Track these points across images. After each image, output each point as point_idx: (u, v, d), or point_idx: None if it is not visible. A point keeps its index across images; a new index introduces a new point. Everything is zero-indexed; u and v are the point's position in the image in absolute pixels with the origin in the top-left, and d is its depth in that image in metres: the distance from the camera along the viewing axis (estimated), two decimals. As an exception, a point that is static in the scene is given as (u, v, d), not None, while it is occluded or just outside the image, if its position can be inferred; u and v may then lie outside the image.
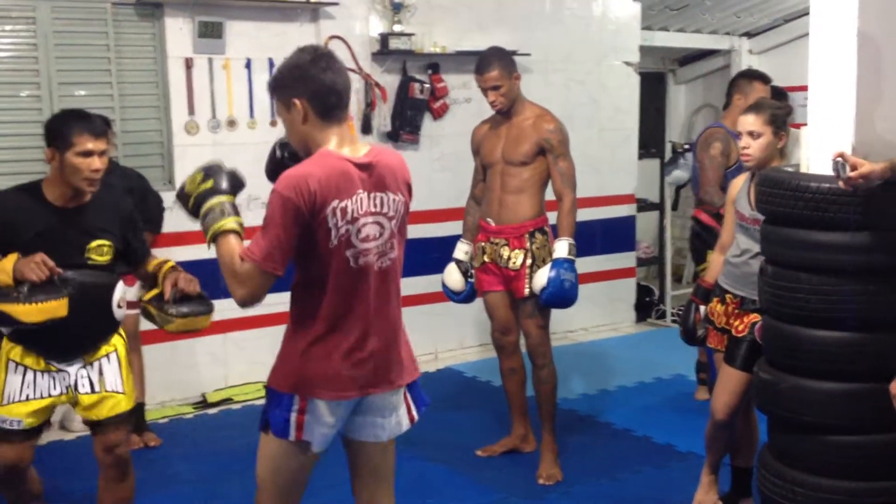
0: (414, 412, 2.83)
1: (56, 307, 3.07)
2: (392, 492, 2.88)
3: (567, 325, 6.86)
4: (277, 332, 2.78)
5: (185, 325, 3.27)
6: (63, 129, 3.20)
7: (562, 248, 4.22)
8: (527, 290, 4.31)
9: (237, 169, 2.80)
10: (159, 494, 4.23)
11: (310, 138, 2.65)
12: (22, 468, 3.32)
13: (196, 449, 4.88)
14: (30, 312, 3.03)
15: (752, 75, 5.23)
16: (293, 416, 2.62)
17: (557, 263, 4.19)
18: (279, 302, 2.81)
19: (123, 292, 3.37)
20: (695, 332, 3.87)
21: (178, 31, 5.37)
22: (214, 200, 2.66)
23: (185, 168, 5.40)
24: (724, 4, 7.38)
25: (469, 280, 4.60)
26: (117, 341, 3.40)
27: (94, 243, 3.25)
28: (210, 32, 5.40)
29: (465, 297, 4.66)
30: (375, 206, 2.63)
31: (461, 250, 4.62)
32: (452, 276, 4.62)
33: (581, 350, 6.57)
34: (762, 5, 7.44)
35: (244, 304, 2.57)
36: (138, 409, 4.95)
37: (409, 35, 6.03)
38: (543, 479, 4.33)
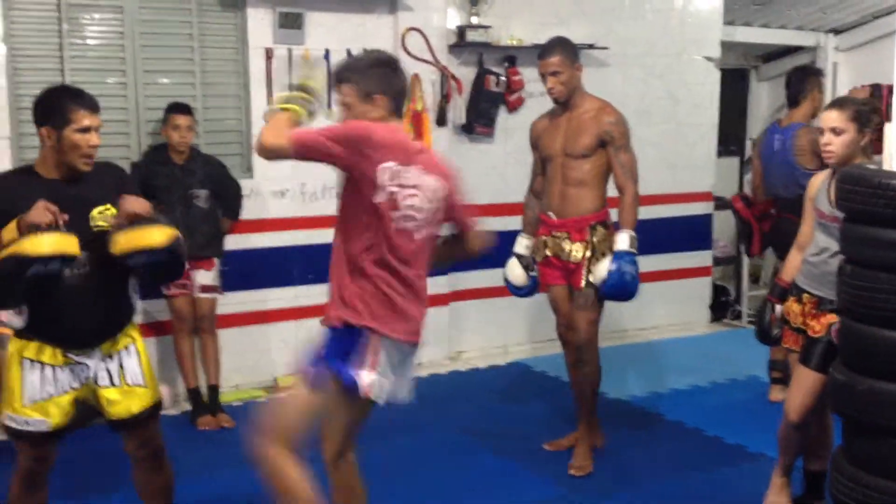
0: None
1: (65, 240, 2.86)
2: None
3: (640, 323, 6.79)
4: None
5: (128, 240, 2.99)
6: (59, 106, 3.06)
7: (623, 240, 4.18)
8: (583, 282, 4.28)
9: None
10: (232, 473, 4.32)
11: None
12: (45, 472, 3.20)
13: (267, 432, 4.95)
14: (35, 244, 2.81)
15: (820, 72, 5.29)
16: (365, 370, 2.94)
17: (619, 256, 4.15)
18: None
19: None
20: (770, 332, 3.81)
21: (260, 22, 5.46)
22: (305, 98, 2.99)
23: (263, 157, 5.50)
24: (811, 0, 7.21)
25: (531, 274, 4.58)
26: (135, 332, 3.28)
27: (97, 209, 3.10)
28: (290, 23, 5.49)
29: (528, 291, 4.65)
30: (423, 183, 2.94)
31: (522, 245, 4.59)
32: (514, 271, 4.60)
33: (653, 348, 6.50)
34: (850, 1, 7.24)
35: (262, 147, 2.84)
36: (213, 390, 5.09)
37: (486, 27, 6.04)
38: (574, 471, 4.32)
